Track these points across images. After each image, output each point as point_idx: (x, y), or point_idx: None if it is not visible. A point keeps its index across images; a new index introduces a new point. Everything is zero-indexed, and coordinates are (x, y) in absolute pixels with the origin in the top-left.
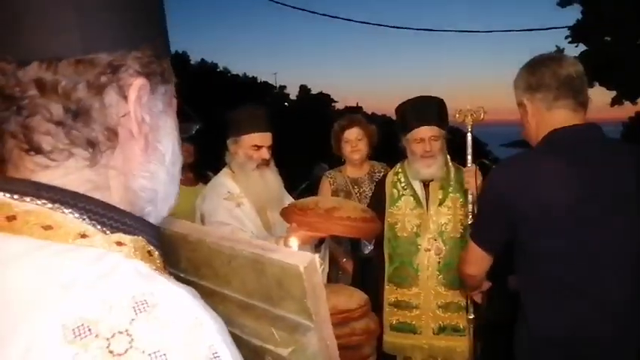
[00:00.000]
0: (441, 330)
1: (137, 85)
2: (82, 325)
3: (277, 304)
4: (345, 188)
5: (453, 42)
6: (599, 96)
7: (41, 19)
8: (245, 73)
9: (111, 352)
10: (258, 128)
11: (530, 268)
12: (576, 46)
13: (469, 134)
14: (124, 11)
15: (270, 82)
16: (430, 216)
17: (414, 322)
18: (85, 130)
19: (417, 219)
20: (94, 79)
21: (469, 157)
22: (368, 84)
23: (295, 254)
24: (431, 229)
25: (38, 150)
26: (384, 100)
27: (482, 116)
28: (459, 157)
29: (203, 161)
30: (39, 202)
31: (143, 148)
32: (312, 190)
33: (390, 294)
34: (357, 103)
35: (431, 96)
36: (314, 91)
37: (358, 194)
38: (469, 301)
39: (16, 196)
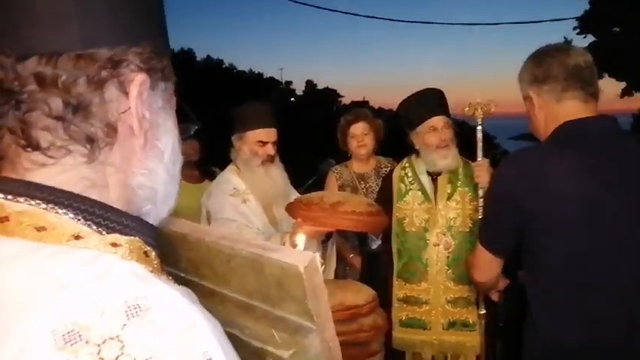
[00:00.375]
0: (451, 325)
1: (138, 80)
2: (73, 330)
3: (277, 305)
4: (351, 183)
5: (460, 35)
6: (609, 87)
7: (41, 12)
8: (251, 69)
9: (101, 358)
10: (263, 124)
11: (540, 269)
12: (584, 37)
13: (479, 127)
14: (125, 6)
15: (276, 78)
16: (439, 210)
17: (423, 318)
18: (84, 125)
19: (425, 213)
20: (95, 74)
21: (479, 152)
22: (374, 78)
23: (295, 254)
24: (439, 224)
25: (36, 146)
26: (390, 95)
27: (492, 109)
28: (466, 151)
29: (209, 158)
30: (33, 202)
31: (142, 145)
32: (319, 185)
33: (399, 289)
34: (364, 98)
35: (431, 88)
36: (320, 87)
37: (365, 189)
38: (480, 297)
39: (9, 197)
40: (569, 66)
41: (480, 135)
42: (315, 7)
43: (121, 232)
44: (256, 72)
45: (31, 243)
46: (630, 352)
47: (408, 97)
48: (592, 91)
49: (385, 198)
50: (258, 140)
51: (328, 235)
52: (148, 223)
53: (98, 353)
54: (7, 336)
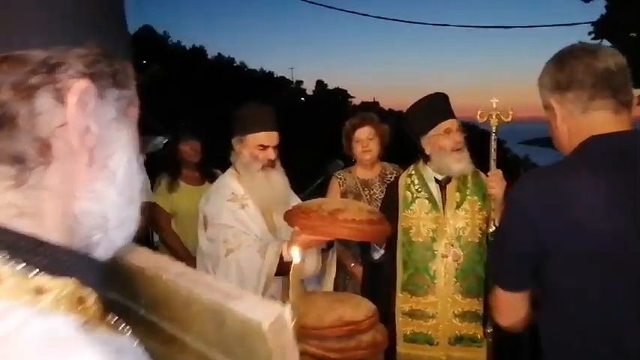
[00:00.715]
0: (458, 340)
1: (78, 87)
2: None
3: None
4: (354, 190)
5: (472, 38)
6: None
7: None
8: (262, 68)
9: None
10: (264, 127)
11: (559, 309)
12: (600, 42)
13: (493, 135)
14: None
15: (286, 77)
16: (447, 220)
17: (430, 333)
18: (8, 142)
19: (432, 223)
20: (22, 80)
21: (492, 162)
22: (385, 79)
23: (261, 305)
24: (448, 234)
25: None
26: (401, 96)
27: (509, 117)
28: (474, 156)
29: (214, 158)
30: None
31: (88, 164)
32: (326, 186)
33: (404, 303)
34: (374, 99)
35: (438, 92)
36: (330, 87)
37: (368, 196)
38: (488, 314)
39: None
40: (597, 70)
41: (493, 144)
42: (327, 7)
43: (53, 273)
44: (267, 71)
45: None
46: None
47: (417, 102)
48: (624, 99)
49: (389, 206)
50: (259, 144)
51: (329, 244)
52: (90, 258)
53: None
54: None
